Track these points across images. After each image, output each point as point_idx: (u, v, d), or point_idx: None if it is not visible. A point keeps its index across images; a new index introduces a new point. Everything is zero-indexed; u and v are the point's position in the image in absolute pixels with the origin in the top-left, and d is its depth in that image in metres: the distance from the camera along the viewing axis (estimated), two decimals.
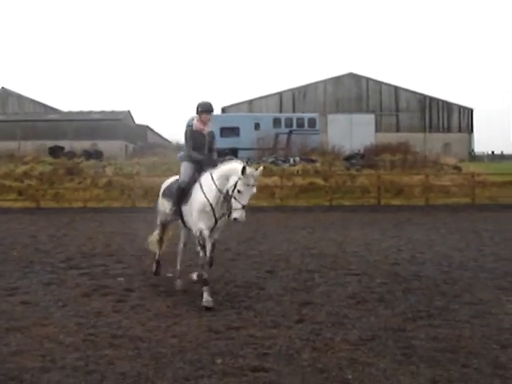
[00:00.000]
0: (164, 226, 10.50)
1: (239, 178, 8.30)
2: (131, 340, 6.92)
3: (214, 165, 9.18)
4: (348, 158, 39.88)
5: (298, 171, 34.37)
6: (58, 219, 22.54)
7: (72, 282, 10.20)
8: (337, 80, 65.77)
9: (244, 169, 8.25)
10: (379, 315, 8.07)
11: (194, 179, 9.24)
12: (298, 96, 65.43)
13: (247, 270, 11.01)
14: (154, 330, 7.32)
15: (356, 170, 35.26)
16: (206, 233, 8.78)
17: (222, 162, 9.21)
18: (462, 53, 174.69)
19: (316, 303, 8.70)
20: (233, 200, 8.37)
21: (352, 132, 61.50)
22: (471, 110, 66.54)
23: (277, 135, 43.87)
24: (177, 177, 9.91)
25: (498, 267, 11.72)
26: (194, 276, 9.21)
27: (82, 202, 29.72)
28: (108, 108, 77.66)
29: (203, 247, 8.81)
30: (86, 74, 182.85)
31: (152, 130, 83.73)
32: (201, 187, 8.94)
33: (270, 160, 38.66)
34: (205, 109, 9.57)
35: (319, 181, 32.34)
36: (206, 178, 8.98)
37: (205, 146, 9.56)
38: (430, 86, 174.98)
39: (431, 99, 66.43)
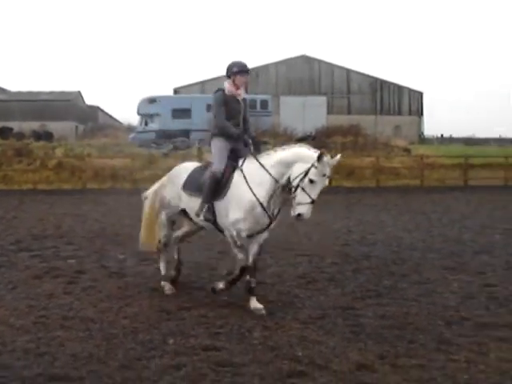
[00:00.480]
0: (172, 223, 8.71)
1: (313, 166, 7.00)
2: (82, 321, 6.91)
3: (256, 148, 7.82)
4: (300, 140, 40.03)
5: None
6: (7, 201, 22.12)
7: (22, 265, 10.08)
8: (289, 62, 65.72)
9: (321, 155, 6.96)
10: (329, 294, 8.22)
11: (231, 165, 7.71)
12: (251, 78, 65.29)
13: (199, 251, 11.02)
14: (105, 312, 7.32)
15: None
16: (244, 234, 7.45)
17: (259, 144, 7.97)
18: (412, 36, 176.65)
19: (267, 283, 8.80)
20: (299, 192, 7.05)
21: (304, 114, 61.68)
22: (421, 94, 67.37)
23: None
24: (194, 163, 8.55)
25: (445, 247, 12.04)
26: (221, 285, 7.69)
27: (31, 183, 29.16)
28: (58, 88, 76.22)
29: (242, 247, 7.49)
30: (35, 54, 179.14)
31: (103, 110, 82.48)
32: (245, 179, 7.46)
33: None
34: (241, 68, 7.91)
35: None
36: (250, 166, 7.54)
37: (240, 114, 7.99)
38: (382, 69, 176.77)
39: (382, 82, 66.96)
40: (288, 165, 7.24)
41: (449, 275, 9.51)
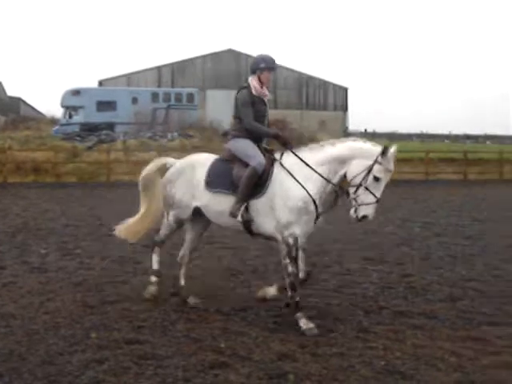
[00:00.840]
0: (181, 224, 7.68)
1: (376, 162, 6.41)
2: (3, 317, 6.80)
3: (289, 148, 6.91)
4: (226, 134, 40.28)
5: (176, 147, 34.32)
6: None
7: None
8: (216, 56, 65.61)
9: (387, 149, 6.37)
10: (252, 286, 8.32)
11: (269, 158, 6.87)
12: (177, 71, 64.87)
13: (123, 245, 10.92)
14: (26, 307, 7.22)
15: None
16: (302, 240, 6.79)
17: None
18: (337, 32, 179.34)
19: (192, 276, 8.83)
20: (362, 191, 6.47)
21: (231, 108, 61.61)
22: (346, 89, 68.47)
23: (155, 110, 43.65)
24: (207, 155, 7.50)
25: (366, 239, 12.35)
26: (302, 322, 6.50)
27: None
28: None
29: (294, 260, 6.75)
30: None
31: (25, 102, 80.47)
32: (289, 173, 6.66)
33: (148, 135, 38.57)
34: (269, 65, 7.08)
35: None
36: (291, 161, 6.74)
37: (265, 117, 7.24)
38: (308, 65, 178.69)
39: (308, 77, 67.69)
40: (343, 161, 6.57)
41: (369, 266, 9.79)
